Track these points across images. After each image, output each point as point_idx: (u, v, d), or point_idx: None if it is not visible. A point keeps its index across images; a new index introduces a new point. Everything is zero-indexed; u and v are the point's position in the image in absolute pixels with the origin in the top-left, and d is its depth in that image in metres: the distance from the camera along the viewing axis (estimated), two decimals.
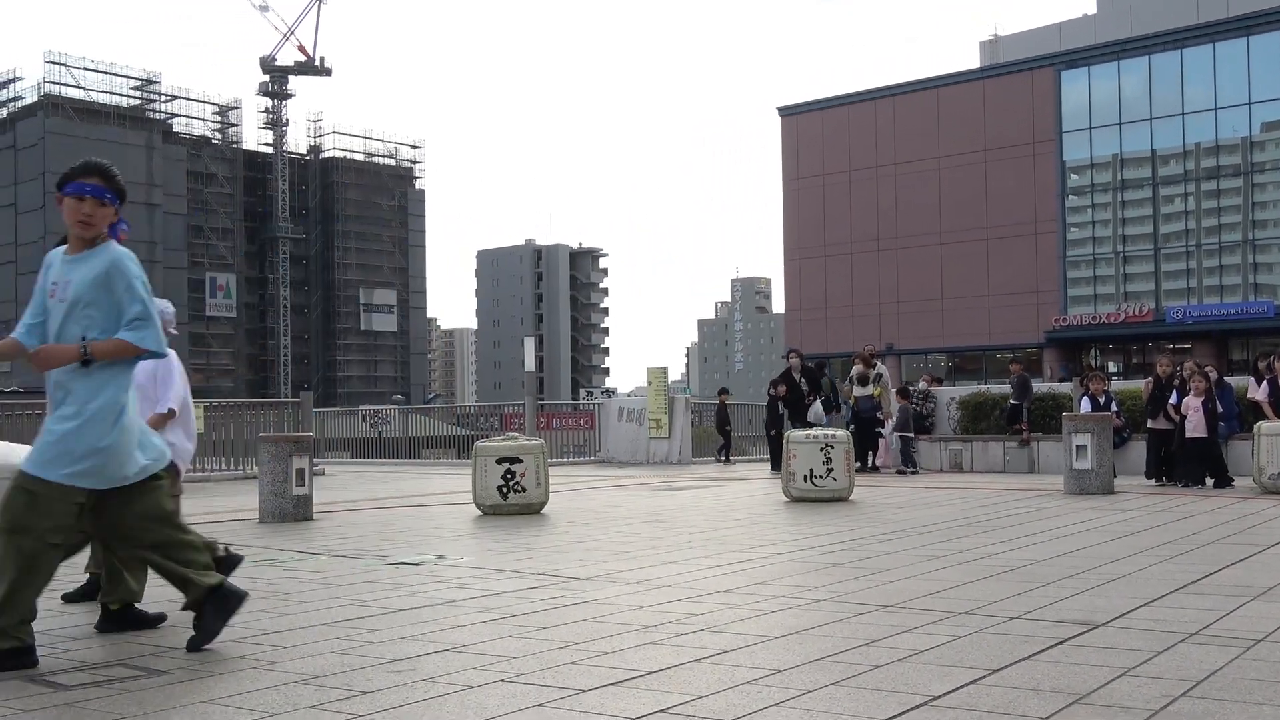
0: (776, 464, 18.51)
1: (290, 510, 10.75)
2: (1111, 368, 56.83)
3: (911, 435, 18.68)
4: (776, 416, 19.36)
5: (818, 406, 19.01)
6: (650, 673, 4.18)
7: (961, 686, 3.89)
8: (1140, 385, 16.86)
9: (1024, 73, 59.22)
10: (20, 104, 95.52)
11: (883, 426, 18.88)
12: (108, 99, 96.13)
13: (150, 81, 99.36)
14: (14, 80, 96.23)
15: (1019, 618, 5.17)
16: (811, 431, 13.05)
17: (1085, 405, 15.83)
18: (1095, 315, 56.87)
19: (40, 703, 3.85)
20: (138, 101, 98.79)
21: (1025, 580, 6.30)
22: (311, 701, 3.82)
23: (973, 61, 71.50)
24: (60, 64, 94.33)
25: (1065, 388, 20.28)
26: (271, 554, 8.15)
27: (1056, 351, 57.27)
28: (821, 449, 12.28)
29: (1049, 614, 5.25)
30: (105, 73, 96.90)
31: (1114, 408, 16.11)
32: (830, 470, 12.27)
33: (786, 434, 13.46)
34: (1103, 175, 57.59)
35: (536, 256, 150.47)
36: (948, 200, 60.55)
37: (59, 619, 5.50)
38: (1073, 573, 6.56)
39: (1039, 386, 21.11)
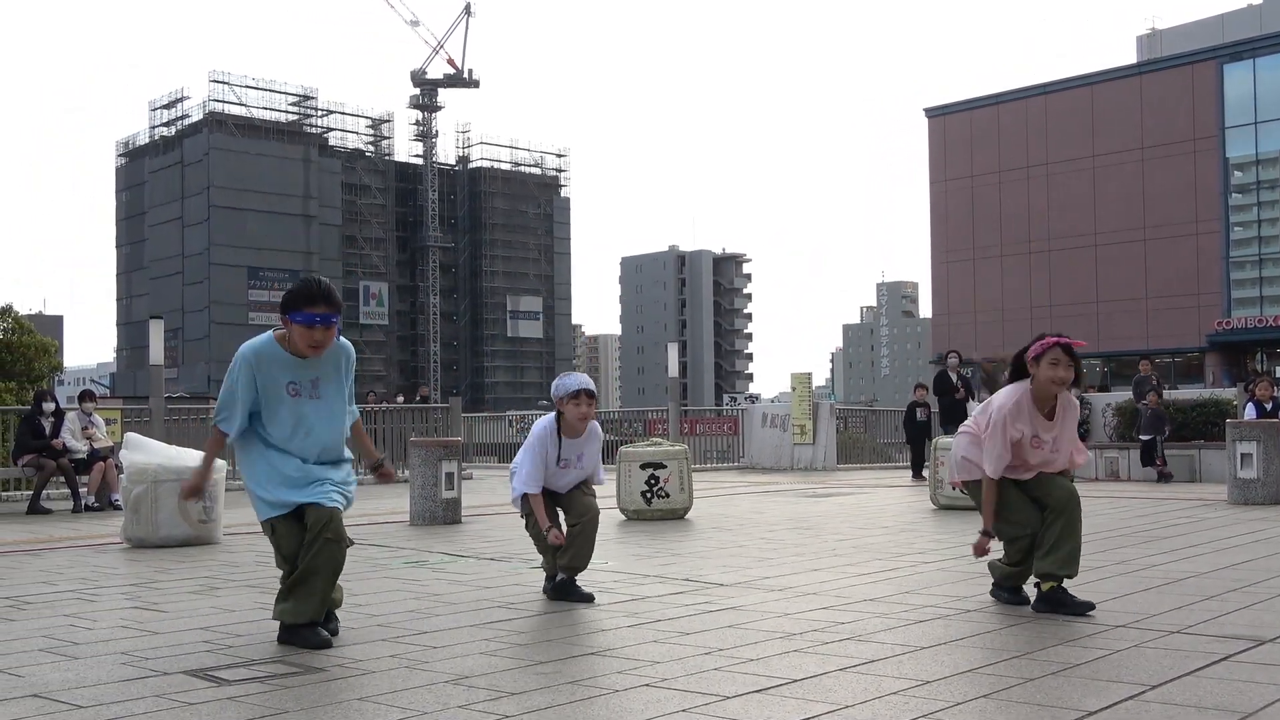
0: (918, 471, 18.23)
1: (439, 513, 10.97)
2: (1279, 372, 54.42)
3: (1161, 437, 18.00)
4: (914, 423, 19.25)
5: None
6: (795, 680, 4.14)
7: (1118, 702, 3.77)
8: None
9: (1184, 67, 57.17)
10: (187, 122, 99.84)
11: None
12: (267, 114, 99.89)
13: (307, 97, 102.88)
14: (181, 99, 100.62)
15: (1180, 632, 4.98)
16: None
17: (1250, 411, 15.20)
18: (1261, 317, 54.54)
19: (204, 696, 4.01)
20: (296, 116, 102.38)
21: (1187, 593, 6.07)
22: (460, 701, 3.89)
23: (1129, 57, 69.39)
24: (223, 82, 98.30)
25: (1229, 393, 19.49)
26: (422, 556, 8.34)
27: (1219, 355, 55.09)
28: None
29: (1212, 628, 5.05)
30: (265, 89, 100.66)
31: None
32: None
33: (934, 440, 13.17)
34: (1269, 171, 55.25)
35: (680, 262, 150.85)
36: (1103, 200, 58.80)
37: (219, 616, 5.72)
38: (1237, 586, 6.29)
39: (1200, 391, 20.32)
